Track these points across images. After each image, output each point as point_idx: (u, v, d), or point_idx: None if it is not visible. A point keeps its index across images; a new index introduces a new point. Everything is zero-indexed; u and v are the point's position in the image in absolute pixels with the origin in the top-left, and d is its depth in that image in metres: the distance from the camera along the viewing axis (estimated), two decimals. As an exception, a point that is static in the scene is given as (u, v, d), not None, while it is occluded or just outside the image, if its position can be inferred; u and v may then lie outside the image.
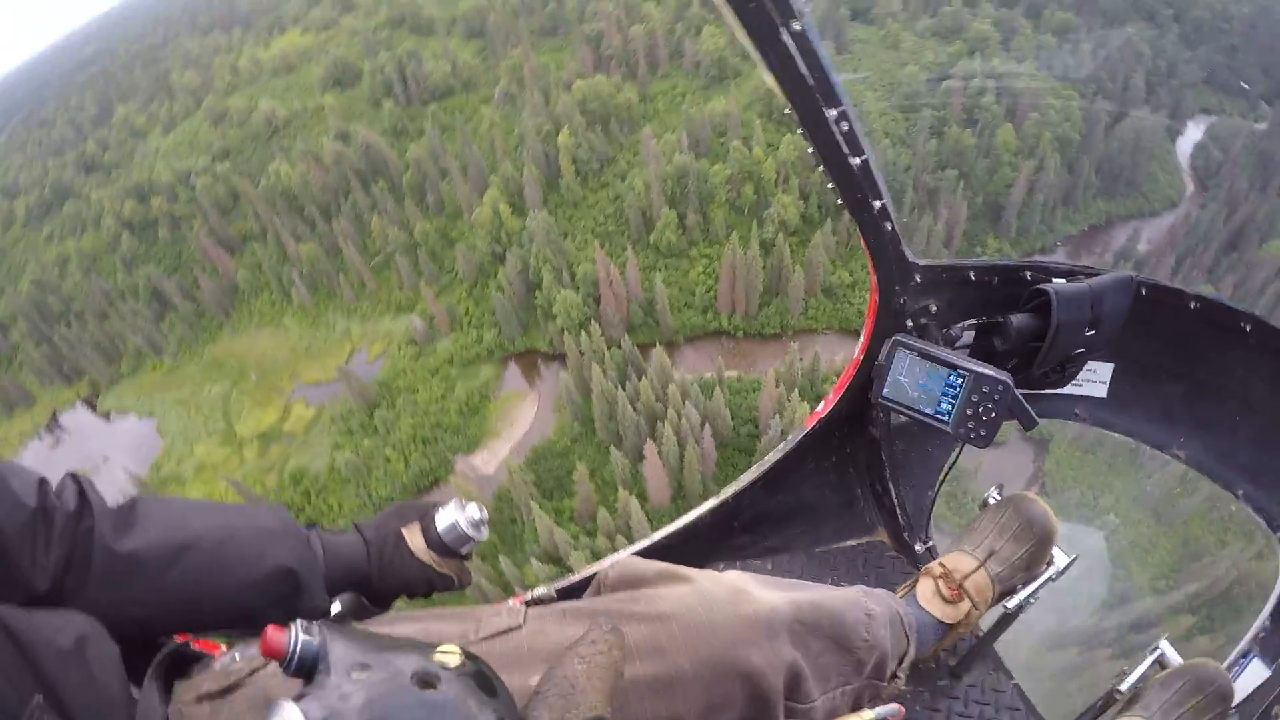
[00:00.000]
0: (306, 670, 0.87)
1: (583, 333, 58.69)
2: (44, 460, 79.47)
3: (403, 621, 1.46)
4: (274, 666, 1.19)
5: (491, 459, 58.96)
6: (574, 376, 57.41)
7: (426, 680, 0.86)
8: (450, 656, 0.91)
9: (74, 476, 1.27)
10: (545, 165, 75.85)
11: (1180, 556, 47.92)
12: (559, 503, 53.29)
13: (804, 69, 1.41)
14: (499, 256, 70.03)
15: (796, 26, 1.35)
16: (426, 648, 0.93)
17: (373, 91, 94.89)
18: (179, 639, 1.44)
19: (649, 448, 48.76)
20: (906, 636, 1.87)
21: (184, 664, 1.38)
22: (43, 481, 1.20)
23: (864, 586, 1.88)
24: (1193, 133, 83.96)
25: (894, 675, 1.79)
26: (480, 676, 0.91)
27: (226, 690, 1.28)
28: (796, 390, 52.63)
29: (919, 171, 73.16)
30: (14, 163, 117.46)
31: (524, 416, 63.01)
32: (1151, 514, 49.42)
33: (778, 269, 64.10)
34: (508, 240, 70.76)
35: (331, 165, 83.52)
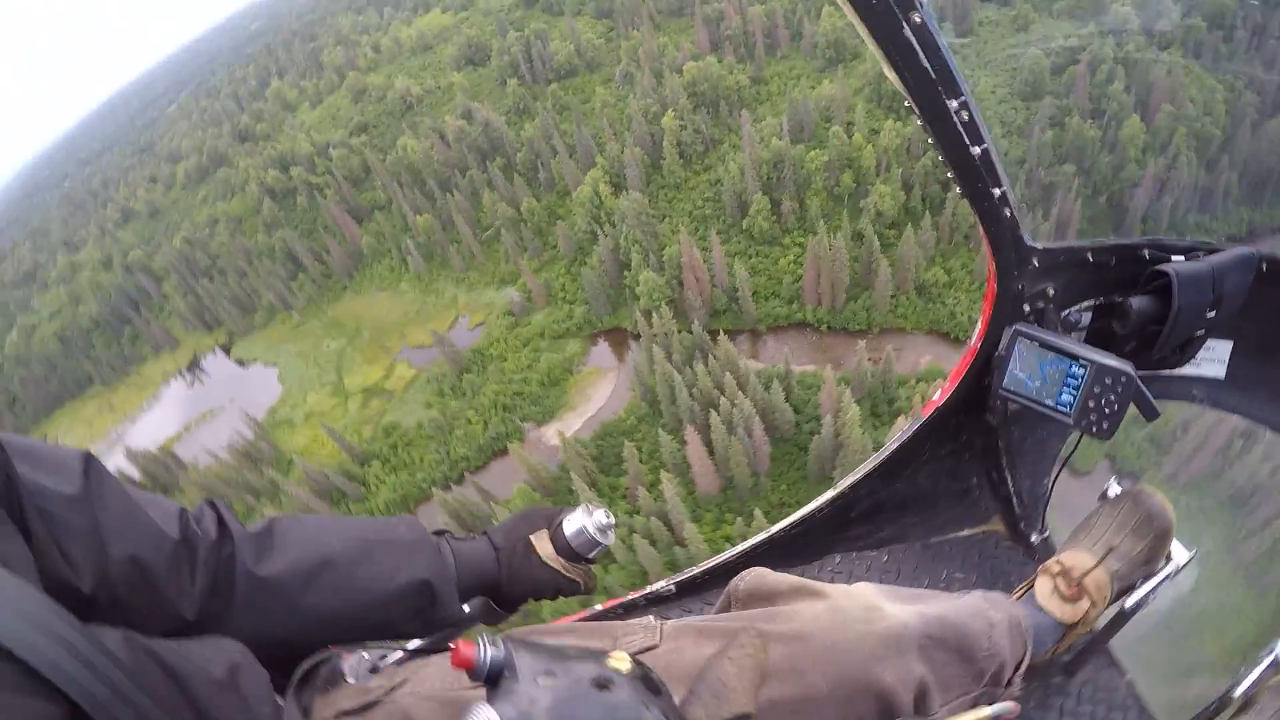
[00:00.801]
0: (493, 679, 0.95)
1: (654, 314, 60.93)
2: (181, 397, 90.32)
3: (537, 635, 1.55)
4: (412, 686, 1.40)
5: (564, 430, 62.30)
6: (645, 357, 59.75)
7: (603, 684, 0.95)
8: (622, 663, 0.99)
9: (211, 504, 1.34)
10: (650, 147, 78.33)
11: (1268, 631, 44.98)
12: (614, 479, 55.89)
13: (925, 61, 1.45)
14: (596, 235, 73.23)
15: (917, 19, 1.38)
16: (600, 655, 1.01)
17: (500, 71, 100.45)
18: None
19: (690, 434, 50.26)
20: (1024, 643, 1.91)
21: (313, 670, 1.46)
22: (183, 512, 1.26)
23: (984, 592, 1.94)
24: (1365, 139, 76.39)
25: (1010, 682, 1.84)
26: (648, 680, 0.99)
27: (365, 708, 1.35)
28: (849, 389, 52.60)
29: (1034, 165, 70.38)
30: (179, 130, 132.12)
31: (601, 393, 66.08)
32: (1242, 575, 46.43)
33: (867, 262, 63.78)
34: (606, 219, 73.76)
35: (454, 142, 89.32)
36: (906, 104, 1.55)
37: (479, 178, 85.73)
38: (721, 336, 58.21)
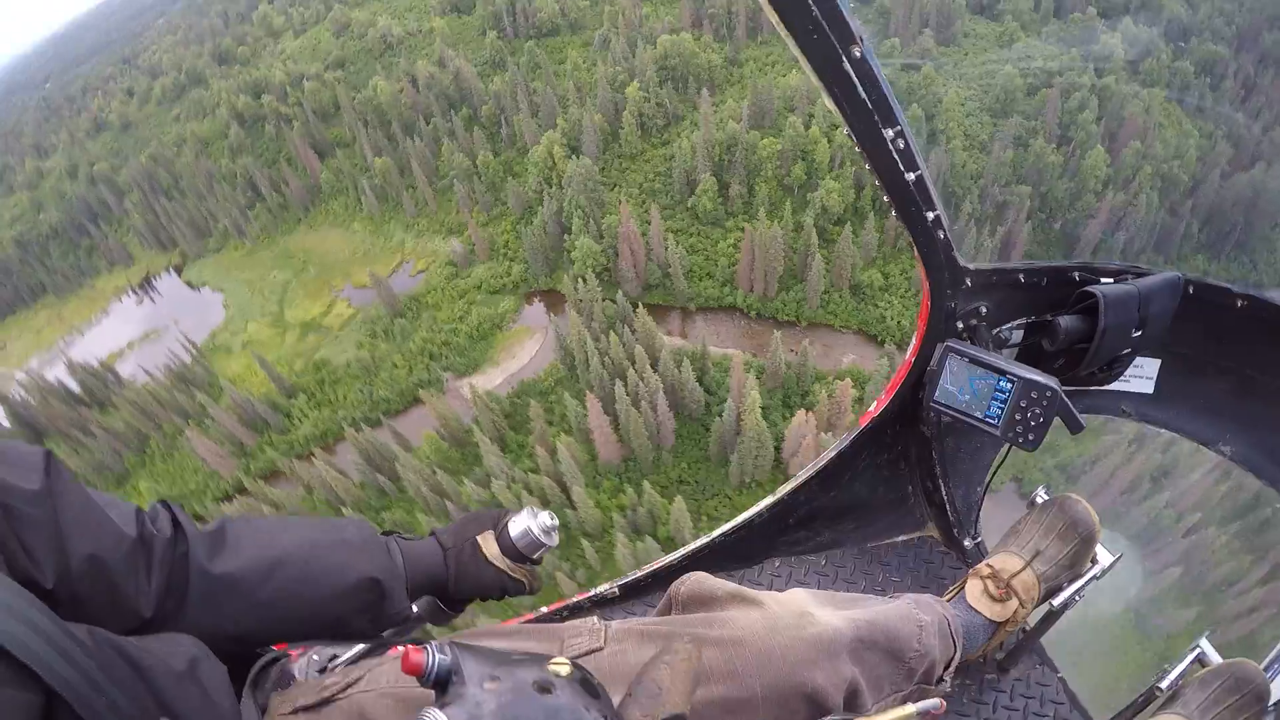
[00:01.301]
0: (442, 683, 1.00)
1: (581, 280, 62.39)
2: (130, 314, 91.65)
3: (486, 637, 1.63)
4: (367, 683, 1.45)
5: (483, 384, 63.94)
6: (570, 321, 61.28)
7: (545, 687, 1.01)
8: (562, 667, 1.06)
9: (165, 504, 1.37)
10: (612, 115, 78.91)
11: (1144, 677, 45.35)
12: (523, 437, 57.62)
13: (863, 93, 1.49)
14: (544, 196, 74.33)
15: (856, 53, 1.41)
16: (542, 659, 1.08)
17: (483, 21, 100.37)
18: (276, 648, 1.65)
19: (591, 401, 51.99)
20: (954, 642, 2.05)
21: (265, 669, 1.55)
22: (139, 511, 1.30)
23: (914, 596, 2.07)
24: (1333, 208, 76.61)
25: (940, 679, 1.98)
26: (586, 683, 1.06)
27: (322, 703, 1.41)
28: (756, 376, 54.12)
29: (989, 182, 70.99)
30: (164, 44, 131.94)
31: (526, 351, 67.57)
32: (1133, 617, 47.50)
33: (804, 254, 64.65)
34: (555, 181, 74.80)
35: (424, 88, 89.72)
36: (844, 131, 1.61)
37: (442, 126, 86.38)
38: (640, 309, 59.54)
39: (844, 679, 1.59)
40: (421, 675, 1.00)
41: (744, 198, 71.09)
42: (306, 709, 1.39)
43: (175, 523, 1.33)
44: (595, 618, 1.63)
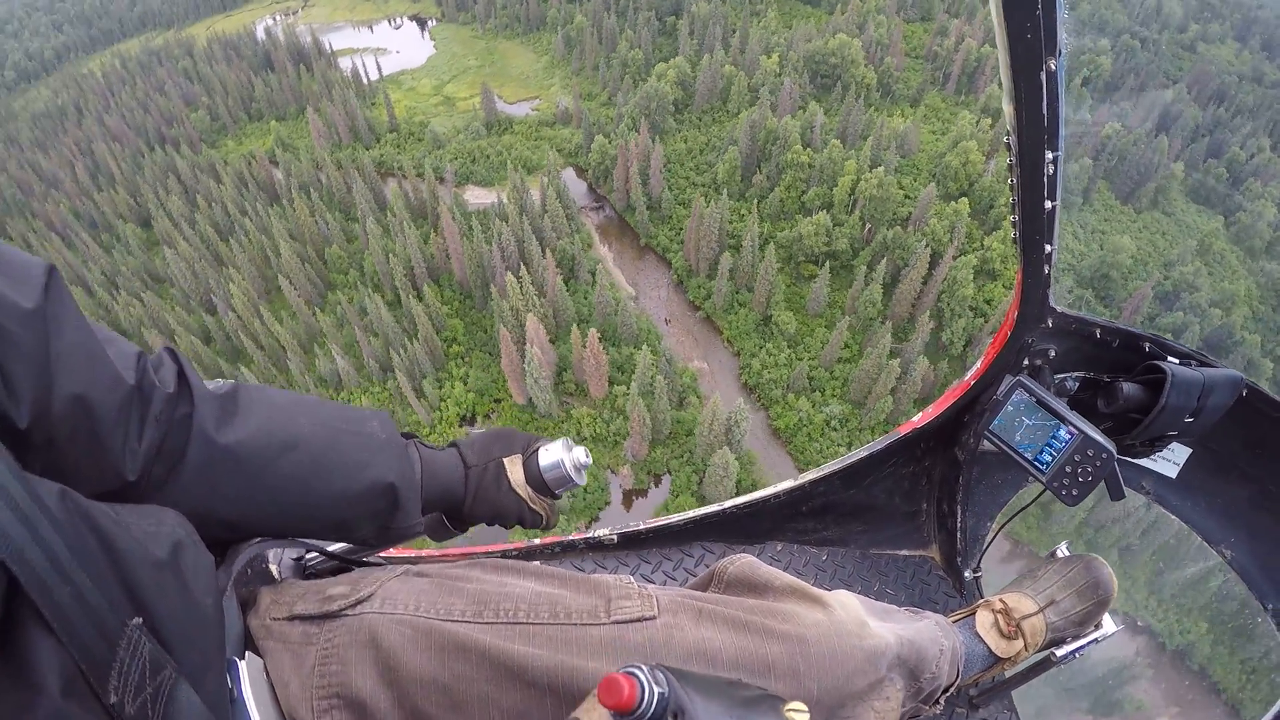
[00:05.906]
0: None
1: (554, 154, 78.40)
2: (383, 33, 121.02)
3: (513, 574, 1.53)
4: (382, 603, 1.33)
5: (478, 196, 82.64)
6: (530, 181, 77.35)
7: None
8: (800, 715, 0.92)
9: (172, 353, 1.21)
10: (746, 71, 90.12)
11: None
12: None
13: (1045, 106, 1.52)
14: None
15: (1053, 65, 1.44)
16: (774, 700, 0.94)
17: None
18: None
19: (444, 216, 69.33)
20: (958, 669, 2.11)
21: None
22: (141, 355, 1.13)
23: (936, 618, 2.14)
24: None
25: (936, 701, 2.01)
26: None
27: (325, 616, 1.31)
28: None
29: (983, 332, 66.03)
30: None
31: (531, 191, 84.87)
32: (1100, 692, 44.58)
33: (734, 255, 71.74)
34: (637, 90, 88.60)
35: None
36: (1006, 140, 1.68)
37: (642, 18, 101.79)
38: (553, 193, 73.16)
39: None
40: (629, 712, 0.82)
41: (762, 185, 79.00)
42: (305, 619, 1.32)
43: (181, 376, 1.17)
44: (630, 577, 1.57)
